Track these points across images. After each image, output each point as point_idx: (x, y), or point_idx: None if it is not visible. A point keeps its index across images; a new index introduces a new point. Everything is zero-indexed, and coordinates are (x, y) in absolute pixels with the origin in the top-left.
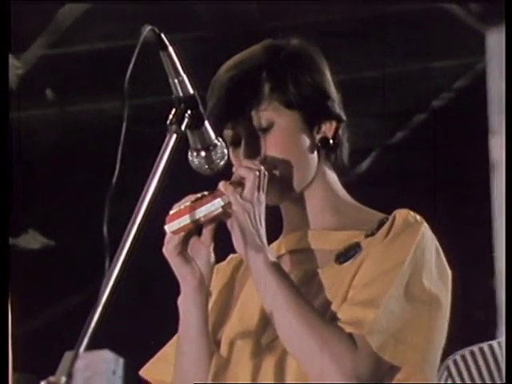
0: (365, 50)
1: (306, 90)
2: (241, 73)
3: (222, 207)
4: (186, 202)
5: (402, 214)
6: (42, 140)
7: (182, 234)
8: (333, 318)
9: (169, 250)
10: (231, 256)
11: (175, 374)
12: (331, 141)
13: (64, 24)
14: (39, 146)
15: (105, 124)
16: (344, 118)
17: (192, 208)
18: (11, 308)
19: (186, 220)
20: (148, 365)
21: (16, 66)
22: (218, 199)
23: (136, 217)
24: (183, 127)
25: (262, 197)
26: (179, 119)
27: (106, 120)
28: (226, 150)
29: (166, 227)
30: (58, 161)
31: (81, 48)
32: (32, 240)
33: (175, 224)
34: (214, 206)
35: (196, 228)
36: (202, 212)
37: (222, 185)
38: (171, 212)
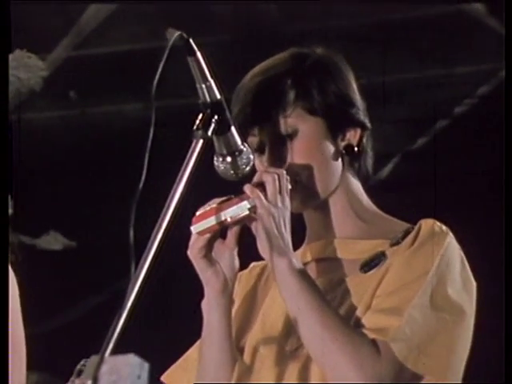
0: (386, 55)
1: (330, 97)
2: (266, 79)
3: (248, 210)
4: (212, 204)
5: (427, 224)
6: (64, 141)
7: (207, 236)
8: (357, 326)
9: (194, 252)
10: (253, 264)
11: (197, 377)
12: (356, 148)
13: (89, 26)
14: (61, 147)
15: (126, 126)
16: (369, 125)
17: (218, 209)
18: (30, 308)
19: (211, 221)
20: (169, 370)
21: (40, 68)
22: (245, 202)
23: (162, 221)
24: (210, 132)
25: (287, 202)
26: (206, 124)
27: (127, 122)
28: (251, 156)
29: (192, 228)
30: (80, 162)
31: (104, 50)
32: (53, 241)
33: (201, 225)
34: (240, 209)
35: (221, 231)
36: (228, 214)
37: (247, 188)
38: (197, 213)
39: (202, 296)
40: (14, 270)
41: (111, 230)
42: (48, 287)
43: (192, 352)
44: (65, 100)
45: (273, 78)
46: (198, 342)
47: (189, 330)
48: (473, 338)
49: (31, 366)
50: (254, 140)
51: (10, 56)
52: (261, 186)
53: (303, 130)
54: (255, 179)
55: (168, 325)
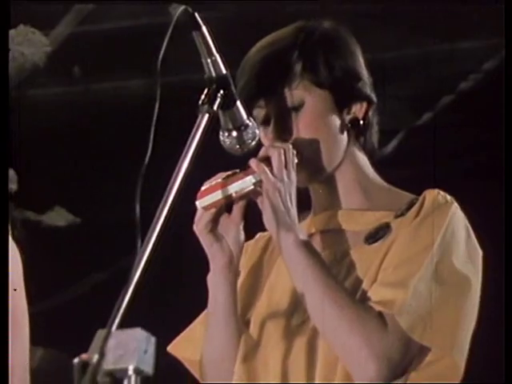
0: (391, 31)
1: (337, 70)
2: (273, 52)
3: (254, 184)
4: (218, 178)
5: (431, 195)
6: (68, 117)
7: (213, 211)
8: (363, 299)
9: (199, 227)
10: (259, 234)
11: (203, 351)
12: (361, 122)
13: (92, 1)
14: (65, 123)
15: (130, 101)
16: (375, 99)
17: (224, 184)
18: (35, 284)
19: (217, 196)
20: (176, 341)
21: (44, 44)
22: (250, 176)
23: (168, 197)
24: (215, 107)
25: (293, 176)
26: (211, 99)
27: (130, 97)
28: (257, 131)
29: (198, 203)
30: (84, 138)
31: (107, 26)
32: (58, 217)
33: (207, 199)
34: (245, 183)
35: (226, 205)
36: (233, 188)
37: (253, 162)
38: (203, 188)
39: (207, 270)
40: (19, 247)
41: (116, 206)
42: (53, 263)
43: (197, 323)
44: (68, 76)
45: (279, 50)
46: (203, 313)
47: (195, 304)
48: (472, 339)
49: (37, 342)
50: (259, 112)
51: (14, 31)
52: (266, 160)
53: (309, 102)
54: (261, 154)
55: (174, 299)
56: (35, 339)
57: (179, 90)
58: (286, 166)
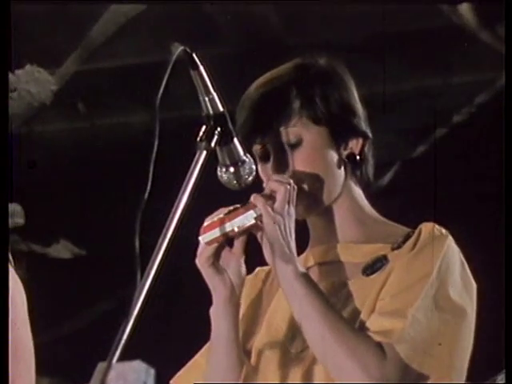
0: (385, 66)
1: (334, 107)
2: (271, 90)
3: (255, 219)
4: (219, 214)
5: (427, 228)
6: (73, 152)
7: (215, 245)
8: (361, 328)
9: (201, 260)
10: (259, 268)
11: (205, 381)
12: (358, 157)
13: (97, 40)
14: (71, 158)
15: (133, 137)
16: (370, 135)
17: (225, 220)
18: (40, 315)
19: (219, 231)
20: (178, 374)
21: (50, 82)
22: (251, 211)
23: (167, 230)
24: (213, 144)
25: (292, 210)
26: (209, 136)
27: (134, 133)
28: (254, 166)
29: (200, 238)
30: (89, 173)
31: (111, 64)
32: (63, 250)
33: (209, 235)
34: (246, 219)
35: (228, 240)
36: (235, 224)
37: (254, 198)
38: (205, 224)
39: (209, 303)
40: (22, 279)
41: (119, 239)
42: (58, 294)
43: (200, 356)
44: (74, 112)
45: (278, 88)
46: (205, 347)
47: (195, 337)
48: (473, 339)
49: (42, 372)
50: (258, 148)
51: (21, 71)
52: (268, 195)
53: (307, 139)
54: (267, 190)
55: (174, 331)
56: (41, 369)
57: (179, 127)
58: (288, 201)
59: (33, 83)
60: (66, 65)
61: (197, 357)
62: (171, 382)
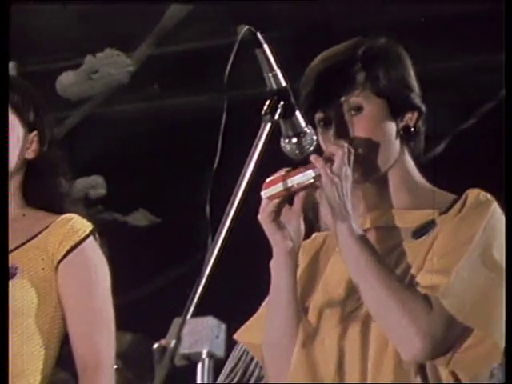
0: (438, 46)
1: (394, 82)
2: (335, 63)
3: (313, 178)
4: (281, 172)
5: (473, 193)
6: (148, 128)
7: (276, 202)
8: (410, 285)
9: (264, 216)
10: (315, 234)
11: (265, 333)
12: (412, 129)
13: (169, 25)
14: (146, 133)
15: (202, 114)
16: (424, 110)
17: (286, 176)
18: (122, 278)
19: (280, 187)
20: (242, 329)
21: (127, 64)
22: (310, 171)
23: (235, 197)
24: (276, 117)
25: (349, 172)
26: (273, 110)
27: (203, 110)
28: (315, 137)
29: (262, 193)
30: (163, 147)
31: (181, 47)
32: (141, 217)
33: (270, 190)
34: (305, 177)
35: (288, 196)
36: (294, 180)
37: (313, 158)
38: (267, 180)
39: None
40: (105, 248)
41: (191, 208)
42: (137, 259)
43: (262, 311)
44: (148, 92)
45: (342, 61)
46: (264, 303)
47: (262, 292)
48: None
49: (126, 328)
50: (321, 117)
51: (102, 54)
52: (327, 157)
53: (368, 109)
54: (326, 153)
55: (244, 288)
56: (125, 326)
57: (245, 102)
58: (345, 164)
59: (112, 65)
60: (141, 48)
61: (259, 311)
62: (235, 336)
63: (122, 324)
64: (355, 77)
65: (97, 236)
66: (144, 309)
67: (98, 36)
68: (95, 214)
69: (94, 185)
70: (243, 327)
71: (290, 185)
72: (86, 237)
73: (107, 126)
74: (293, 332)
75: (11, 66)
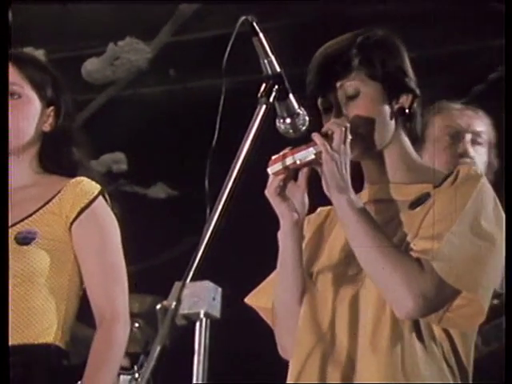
0: (430, 32)
1: (388, 67)
2: (334, 51)
3: (315, 155)
4: (285, 150)
5: (464, 169)
6: (166, 110)
7: (281, 177)
8: (405, 250)
9: (270, 190)
10: (320, 209)
11: (275, 294)
12: (407, 110)
13: (184, 16)
14: (164, 114)
15: (216, 98)
16: (419, 93)
17: (289, 154)
18: (141, 246)
19: (284, 163)
20: (252, 293)
21: (146, 51)
22: (312, 148)
23: (232, 173)
24: (271, 99)
25: (348, 149)
26: (268, 93)
27: (216, 94)
28: (307, 118)
29: (269, 169)
30: (179, 126)
31: (198, 35)
32: (160, 191)
33: (275, 166)
34: (307, 153)
35: (293, 172)
36: (297, 157)
37: (315, 136)
38: (273, 157)
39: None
40: (123, 216)
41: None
42: (155, 229)
43: (270, 278)
44: (166, 77)
45: (340, 49)
46: (275, 272)
47: (263, 261)
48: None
49: (146, 291)
50: (322, 100)
51: (122, 42)
52: (326, 135)
53: (364, 91)
54: (324, 128)
55: (244, 256)
56: (145, 289)
57: (244, 86)
58: (343, 141)
59: (132, 52)
60: (159, 36)
61: (269, 277)
62: (246, 300)
63: (143, 287)
64: (350, 61)
65: (106, 197)
66: (162, 274)
67: (120, 26)
68: (118, 186)
69: (117, 160)
70: (254, 291)
71: (293, 161)
72: (96, 197)
73: (128, 108)
74: (299, 290)
75: (41, 52)
